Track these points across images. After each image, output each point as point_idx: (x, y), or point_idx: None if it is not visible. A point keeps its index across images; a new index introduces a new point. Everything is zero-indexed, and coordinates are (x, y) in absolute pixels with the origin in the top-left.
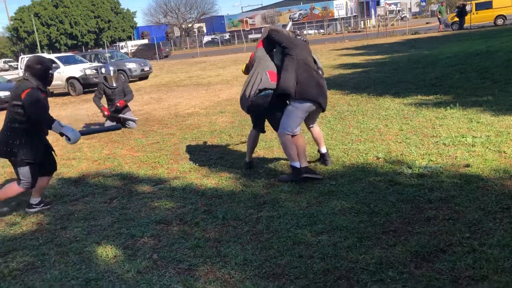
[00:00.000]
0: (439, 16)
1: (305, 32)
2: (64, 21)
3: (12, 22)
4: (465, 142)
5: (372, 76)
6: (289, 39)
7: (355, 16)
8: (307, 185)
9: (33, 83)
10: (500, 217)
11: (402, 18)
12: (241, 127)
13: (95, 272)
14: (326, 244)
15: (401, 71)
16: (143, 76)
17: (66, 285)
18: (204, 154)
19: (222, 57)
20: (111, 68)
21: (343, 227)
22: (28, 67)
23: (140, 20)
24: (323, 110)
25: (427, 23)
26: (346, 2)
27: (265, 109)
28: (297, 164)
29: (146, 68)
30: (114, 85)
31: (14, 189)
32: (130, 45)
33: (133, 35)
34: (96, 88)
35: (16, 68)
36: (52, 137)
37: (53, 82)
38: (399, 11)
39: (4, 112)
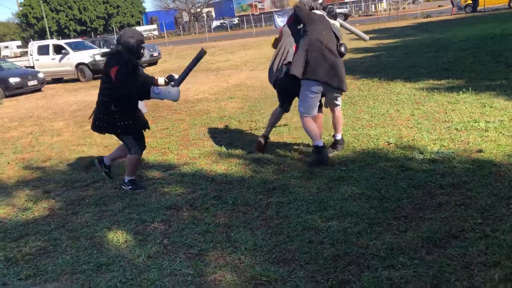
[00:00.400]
0: None
1: None
2: (73, 7)
3: (21, 8)
4: (478, 127)
5: (383, 60)
6: (307, 14)
7: None
8: (317, 171)
9: (124, 57)
10: None
11: (414, 1)
12: (250, 112)
13: (106, 256)
14: (336, 230)
15: (413, 55)
16: (152, 62)
17: (77, 269)
18: (213, 140)
19: (231, 42)
20: None
21: (353, 213)
22: (120, 41)
23: (148, 5)
24: (342, 91)
25: (439, 6)
26: None
27: (289, 85)
28: (319, 143)
29: (155, 54)
30: None
31: (131, 160)
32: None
33: (142, 20)
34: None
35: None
36: (62, 123)
37: (62, 68)
38: None
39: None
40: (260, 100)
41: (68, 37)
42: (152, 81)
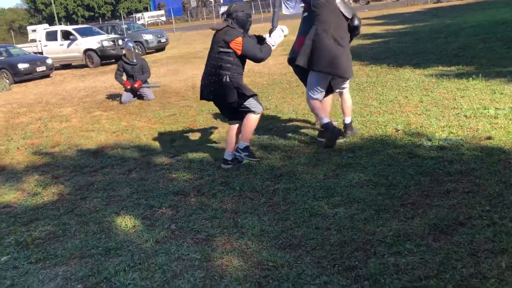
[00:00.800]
0: None
1: None
2: None
3: None
4: (487, 114)
5: (392, 46)
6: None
7: None
8: (324, 158)
9: (240, 30)
10: None
11: None
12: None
13: (115, 241)
14: (343, 216)
15: (422, 41)
16: (160, 48)
17: (86, 253)
18: (221, 126)
19: None
20: (131, 44)
21: (360, 199)
22: (230, 15)
23: None
24: (346, 78)
25: None
26: None
27: (300, 74)
28: (326, 120)
29: (163, 40)
30: (135, 61)
31: (254, 121)
32: (147, 16)
33: (150, 6)
34: (113, 61)
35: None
36: (70, 109)
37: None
38: None
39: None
40: (267, 86)
41: (76, 22)
42: (264, 39)
